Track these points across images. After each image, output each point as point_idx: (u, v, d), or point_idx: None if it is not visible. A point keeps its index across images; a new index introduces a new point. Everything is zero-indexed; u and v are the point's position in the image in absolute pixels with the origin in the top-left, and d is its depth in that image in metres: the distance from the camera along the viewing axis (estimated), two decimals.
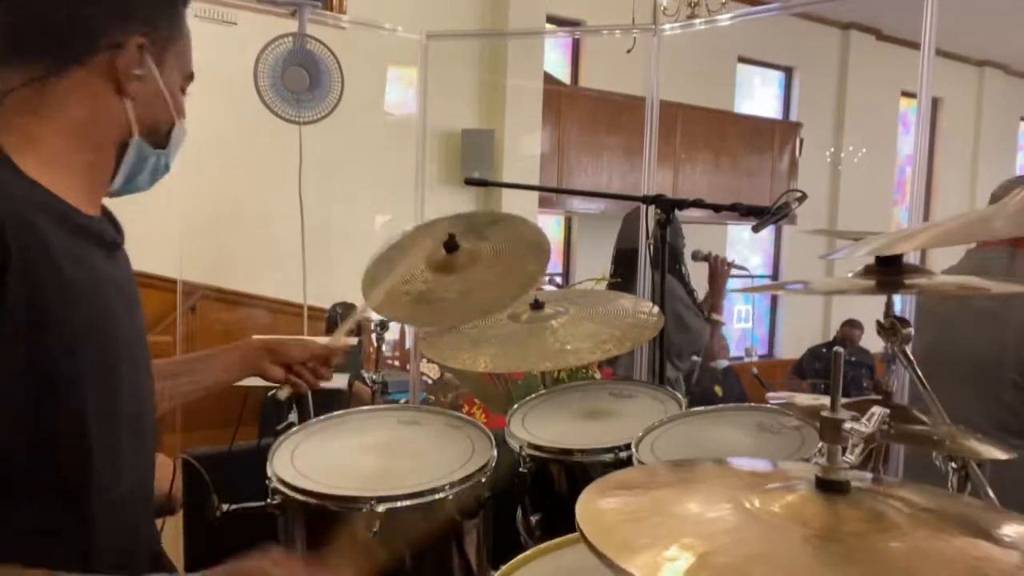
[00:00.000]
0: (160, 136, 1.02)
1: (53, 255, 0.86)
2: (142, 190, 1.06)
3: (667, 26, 2.98)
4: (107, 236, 1.00)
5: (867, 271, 1.06)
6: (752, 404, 1.56)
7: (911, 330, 1.07)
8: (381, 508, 1.24)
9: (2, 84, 0.91)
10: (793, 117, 9.56)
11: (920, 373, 1.10)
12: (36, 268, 0.84)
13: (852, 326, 7.08)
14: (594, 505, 0.70)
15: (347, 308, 4.60)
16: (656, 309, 1.74)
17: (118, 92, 0.96)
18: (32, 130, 0.92)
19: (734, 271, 3.61)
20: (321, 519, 1.28)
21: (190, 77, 1.06)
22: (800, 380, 7.04)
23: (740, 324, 9.45)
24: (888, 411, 0.71)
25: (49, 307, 0.85)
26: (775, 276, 9.80)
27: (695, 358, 3.31)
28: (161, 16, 0.99)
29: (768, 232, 9.05)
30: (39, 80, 0.91)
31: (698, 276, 3.37)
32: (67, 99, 0.93)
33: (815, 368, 7.04)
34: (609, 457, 1.48)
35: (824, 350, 7.17)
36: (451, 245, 1.63)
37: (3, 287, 0.80)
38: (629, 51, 3.70)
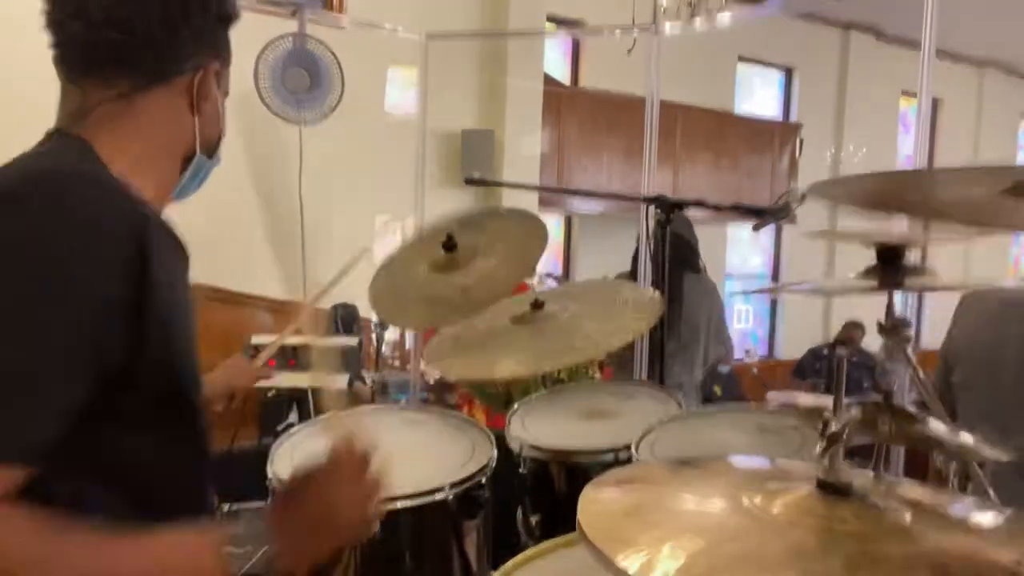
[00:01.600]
0: (211, 150, 1.10)
1: (168, 265, 0.90)
2: (186, 198, 1.12)
3: (667, 26, 2.98)
4: (185, 249, 1.05)
5: (868, 271, 1.06)
6: (752, 404, 1.56)
7: (911, 330, 1.07)
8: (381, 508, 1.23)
9: (87, 97, 0.96)
10: (793, 117, 9.55)
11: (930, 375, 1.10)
12: (165, 266, 0.88)
13: (854, 327, 7.07)
14: (594, 503, 0.70)
15: (347, 308, 4.61)
16: (656, 293, 1.71)
17: (192, 111, 1.02)
18: (119, 143, 0.96)
19: None
20: None
21: (226, 94, 1.13)
22: (801, 381, 7.03)
23: (740, 324, 9.46)
24: (860, 412, 0.71)
25: (175, 306, 0.90)
26: (775, 276, 9.80)
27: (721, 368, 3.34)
28: (227, 42, 1.06)
29: (768, 232, 9.07)
30: (126, 95, 0.96)
31: None
32: (150, 115, 0.99)
33: (815, 368, 7.04)
34: (609, 457, 1.48)
35: (825, 351, 7.17)
36: (449, 245, 1.63)
37: (149, 278, 0.84)
38: (629, 51, 3.70)
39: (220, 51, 1.05)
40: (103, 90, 0.96)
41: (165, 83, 0.99)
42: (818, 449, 0.69)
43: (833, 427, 0.69)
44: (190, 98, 1.02)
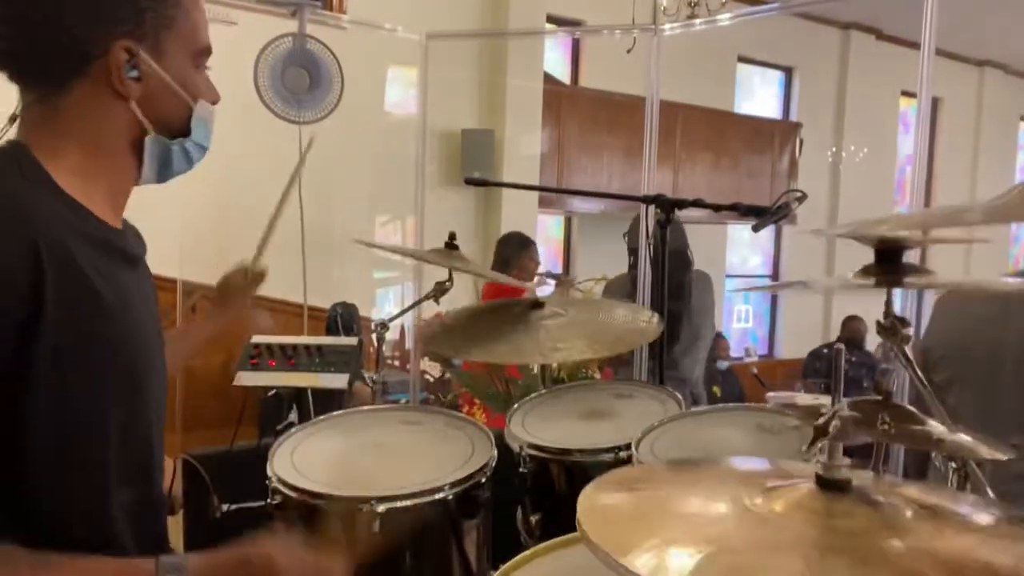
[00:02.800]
0: (178, 125, 1.03)
1: (86, 273, 0.89)
2: (183, 172, 1.07)
3: (667, 26, 2.98)
4: (130, 250, 1.02)
5: (866, 270, 1.06)
6: (752, 404, 1.56)
7: (911, 330, 1.07)
8: (381, 508, 1.24)
9: (22, 100, 0.96)
10: (793, 117, 9.55)
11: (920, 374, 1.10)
12: (70, 288, 0.86)
13: (856, 321, 7.01)
14: (595, 502, 0.70)
15: (347, 308, 4.61)
16: (656, 318, 1.73)
17: (117, 96, 0.96)
18: (53, 144, 0.95)
19: None
20: (321, 519, 1.28)
21: (205, 52, 1.05)
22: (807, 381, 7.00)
23: (740, 324, 9.46)
24: (844, 408, 0.71)
25: (84, 324, 0.88)
26: (775, 276, 9.79)
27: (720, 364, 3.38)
28: (145, 10, 0.96)
29: (768, 232, 9.06)
30: (47, 96, 0.95)
31: None
32: (76, 112, 0.95)
33: (815, 368, 7.03)
34: (609, 457, 1.48)
35: (825, 350, 7.15)
36: (451, 245, 1.64)
37: (40, 309, 0.83)
38: (629, 51, 3.70)
39: (125, 25, 0.95)
40: (27, 93, 0.96)
41: (79, 76, 0.94)
42: (805, 445, 0.69)
43: (820, 420, 0.69)
44: (110, 83, 0.95)
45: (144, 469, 1.00)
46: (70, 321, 0.86)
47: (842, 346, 0.72)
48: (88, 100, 0.96)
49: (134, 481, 0.97)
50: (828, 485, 0.66)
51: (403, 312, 2.43)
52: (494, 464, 1.39)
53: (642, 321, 1.72)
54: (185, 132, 1.04)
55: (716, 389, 3.59)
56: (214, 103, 1.08)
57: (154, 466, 1.02)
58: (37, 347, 0.83)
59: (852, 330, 6.95)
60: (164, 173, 1.05)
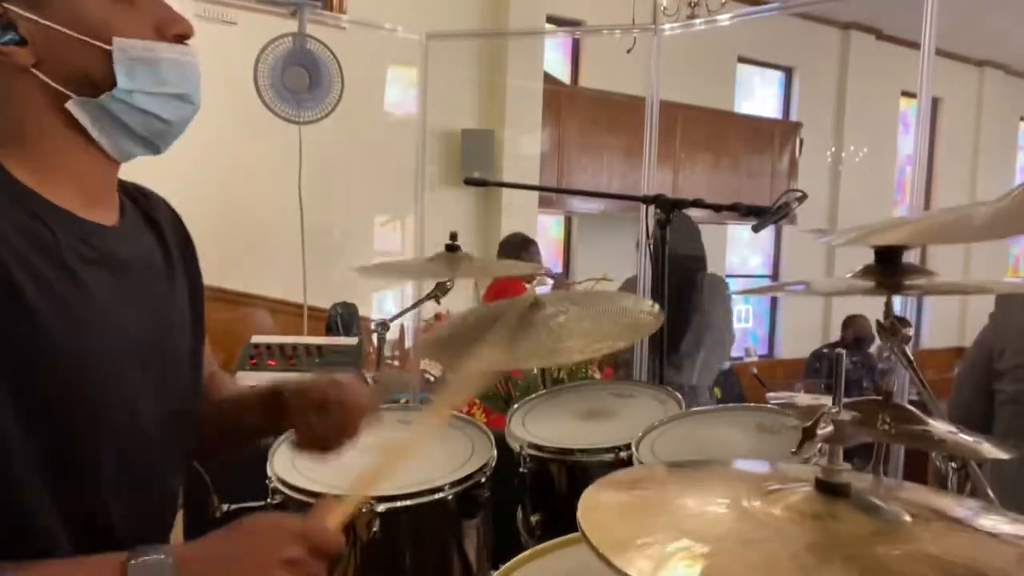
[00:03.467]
0: (100, 78, 0.84)
1: (15, 282, 0.77)
2: (163, 133, 0.91)
3: (667, 26, 2.98)
4: (114, 252, 0.89)
5: (867, 271, 1.06)
6: (752, 404, 1.56)
7: (910, 330, 1.07)
8: (381, 508, 1.24)
9: None
10: (793, 117, 9.55)
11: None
12: None
13: (861, 319, 6.95)
14: (595, 505, 0.70)
15: (347, 308, 4.61)
16: (656, 307, 1.72)
17: (17, 71, 0.82)
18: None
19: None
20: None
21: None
22: (807, 381, 6.97)
23: (739, 324, 9.46)
24: (833, 410, 0.71)
25: (7, 340, 0.76)
26: (775, 276, 9.79)
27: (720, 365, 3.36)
28: None
29: (768, 232, 9.05)
30: None
31: None
32: None
33: (816, 368, 7.02)
34: (609, 457, 1.48)
35: (826, 350, 7.15)
36: (452, 246, 1.64)
37: None
38: (629, 51, 3.70)
39: None
40: None
41: None
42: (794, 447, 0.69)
43: (808, 422, 0.69)
44: None
45: (91, 497, 0.85)
46: None
47: (843, 350, 0.72)
48: None
49: (76, 508, 0.83)
50: (828, 489, 0.66)
51: (403, 312, 2.44)
52: (494, 464, 1.39)
53: (643, 313, 1.70)
54: (110, 86, 0.84)
55: (716, 390, 3.58)
56: (176, 38, 0.88)
57: (106, 494, 0.86)
58: None
59: (860, 327, 6.88)
60: (135, 140, 0.89)
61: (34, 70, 0.82)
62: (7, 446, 0.77)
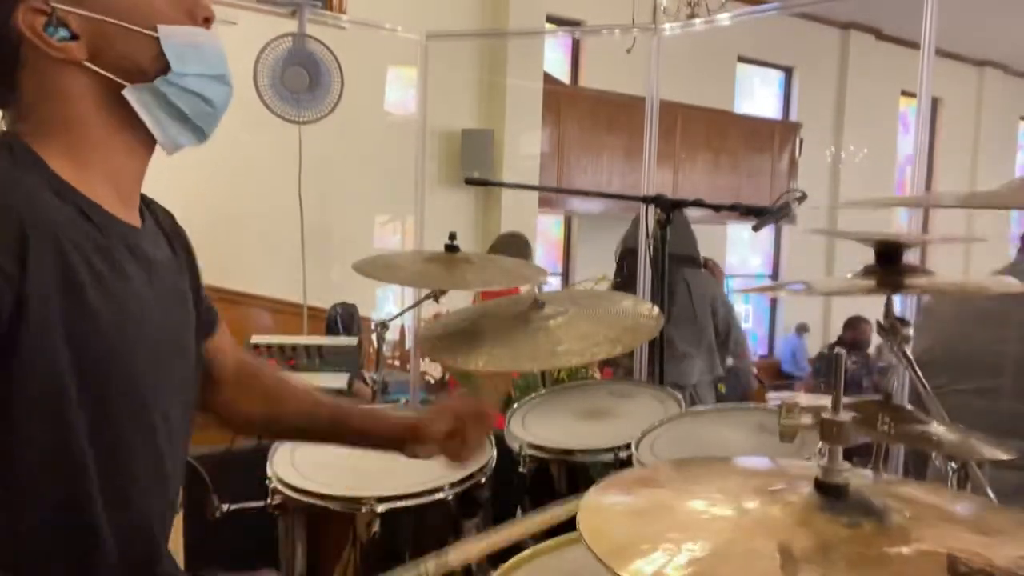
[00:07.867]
0: (149, 64, 0.86)
1: (79, 281, 0.79)
2: (212, 115, 0.93)
3: (667, 26, 2.98)
4: (145, 252, 0.91)
5: (867, 271, 1.06)
6: (752, 404, 1.56)
7: (910, 330, 1.07)
8: (381, 508, 1.24)
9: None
10: (793, 117, 9.55)
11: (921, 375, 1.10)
12: (52, 283, 0.77)
13: (863, 322, 6.94)
14: (595, 503, 0.70)
15: (347, 308, 4.61)
16: (656, 311, 1.73)
17: (59, 62, 0.83)
18: (40, 139, 0.85)
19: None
20: (321, 519, 1.28)
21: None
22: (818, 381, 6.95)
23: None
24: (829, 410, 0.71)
25: (62, 327, 0.78)
26: (775, 276, 9.80)
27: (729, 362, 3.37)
28: None
29: (768, 232, 9.06)
30: (12, 89, 0.85)
31: None
32: (39, 101, 0.85)
33: (815, 368, 7.03)
34: (609, 457, 1.48)
35: (826, 351, 7.15)
36: (452, 246, 1.64)
37: (23, 308, 0.75)
38: (629, 51, 3.70)
39: None
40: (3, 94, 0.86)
41: (19, 67, 0.83)
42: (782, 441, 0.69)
43: (785, 419, 0.69)
44: (42, 51, 0.83)
45: (134, 492, 0.88)
46: (45, 323, 0.76)
47: (843, 351, 0.72)
48: (39, 78, 0.84)
49: (119, 505, 0.85)
50: (827, 489, 0.66)
51: (403, 312, 2.43)
52: (494, 464, 1.39)
53: (643, 316, 1.71)
54: (164, 69, 0.87)
55: (721, 387, 3.58)
56: (205, 21, 0.91)
57: (143, 487, 0.89)
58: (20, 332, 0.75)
59: (860, 331, 6.89)
60: (185, 125, 0.91)
61: (88, 63, 0.84)
62: (81, 445, 0.80)
